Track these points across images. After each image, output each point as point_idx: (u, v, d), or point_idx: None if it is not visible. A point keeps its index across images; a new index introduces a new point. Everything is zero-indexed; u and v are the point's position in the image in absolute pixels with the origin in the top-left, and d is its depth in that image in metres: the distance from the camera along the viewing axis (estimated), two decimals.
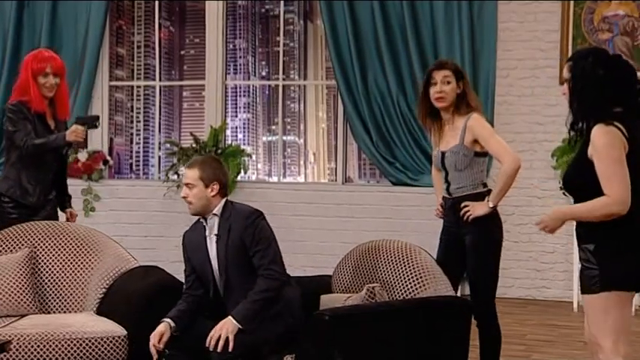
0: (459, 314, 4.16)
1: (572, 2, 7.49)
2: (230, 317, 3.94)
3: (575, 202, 3.83)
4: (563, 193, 7.37)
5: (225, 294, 4.14)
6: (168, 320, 4.10)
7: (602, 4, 7.46)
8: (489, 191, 4.67)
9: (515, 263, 7.64)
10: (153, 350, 4.04)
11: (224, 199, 4.18)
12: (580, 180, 3.76)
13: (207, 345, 3.90)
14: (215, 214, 4.15)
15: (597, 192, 3.63)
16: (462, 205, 4.65)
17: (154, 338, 4.04)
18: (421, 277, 4.21)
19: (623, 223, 3.65)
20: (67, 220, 5.43)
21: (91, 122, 5.08)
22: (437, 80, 4.67)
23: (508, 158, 4.54)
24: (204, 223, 4.19)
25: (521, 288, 7.73)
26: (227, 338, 3.88)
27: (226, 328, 3.90)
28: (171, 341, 4.07)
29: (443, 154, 4.75)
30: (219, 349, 3.87)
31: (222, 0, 8.31)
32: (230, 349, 3.87)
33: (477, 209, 4.59)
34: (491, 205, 4.57)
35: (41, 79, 5.15)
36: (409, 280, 4.23)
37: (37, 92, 5.14)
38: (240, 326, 3.91)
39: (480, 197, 4.65)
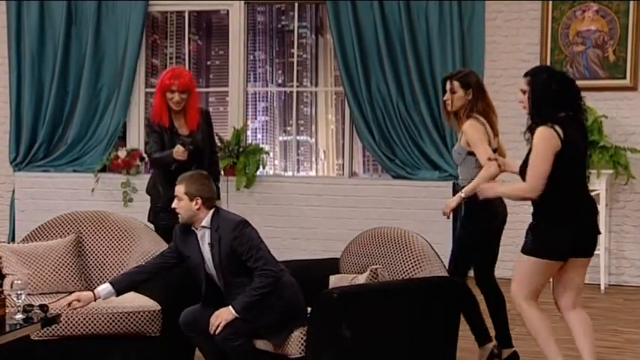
0: (451, 293, 4.16)
1: (550, 19, 7.46)
2: (230, 307, 3.96)
3: None
4: None
5: (226, 291, 4.13)
6: (103, 288, 4.11)
7: (577, 21, 7.42)
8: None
9: (501, 248, 7.59)
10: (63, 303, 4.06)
11: (211, 211, 4.15)
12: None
13: (210, 321, 3.95)
14: (204, 226, 4.13)
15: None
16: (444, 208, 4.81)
17: (70, 300, 4.06)
18: (418, 260, 4.21)
19: (554, 208, 4.16)
20: None
21: (189, 145, 5.00)
22: (446, 89, 4.84)
23: (486, 166, 4.65)
24: (196, 231, 4.17)
25: (505, 269, 7.64)
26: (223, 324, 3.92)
27: (223, 315, 3.94)
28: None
29: (453, 149, 4.96)
30: (217, 333, 3.92)
31: (243, 17, 8.31)
32: (217, 333, 3.91)
33: (449, 204, 4.76)
34: (462, 196, 4.69)
35: (168, 94, 5.10)
36: (407, 262, 4.23)
37: (158, 106, 5.14)
38: (237, 315, 3.93)
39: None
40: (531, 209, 4.34)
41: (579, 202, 4.25)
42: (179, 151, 4.94)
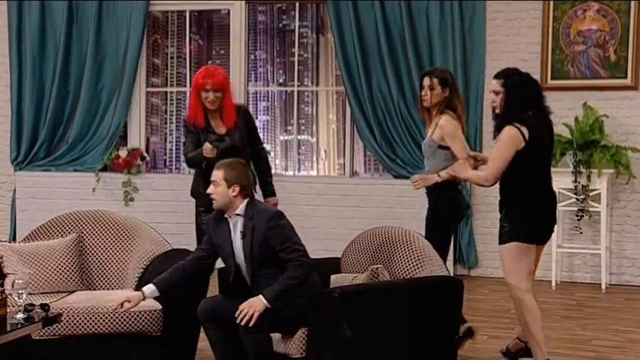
0: (452, 292, 4.16)
1: (551, 18, 7.46)
2: (260, 296, 3.90)
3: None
4: None
5: (252, 282, 4.11)
6: (147, 288, 4.13)
7: (578, 20, 7.43)
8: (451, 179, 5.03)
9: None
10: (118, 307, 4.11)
11: (246, 200, 4.15)
12: None
13: (236, 317, 3.88)
14: (238, 214, 4.12)
15: (508, 174, 4.49)
16: (412, 179, 5.14)
17: (120, 302, 4.10)
18: (418, 260, 4.21)
19: (525, 196, 4.54)
20: None
21: (217, 142, 4.95)
22: (424, 85, 5.11)
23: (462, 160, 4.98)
24: (229, 219, 4.17)
25: None
26: (253, 315, 3.86)
27: (255, 306, 3.88)
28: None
29: (423, 142, 5.25)
30: (244, 323, 3.86)
31: (244, 16, 8.32)
32: (251, 324, 3.86)
33: (426, 181, 5.02)
34: (438, 179, 4.96)
35: (203, 93, 5.04)
36: (408, 262, 4.23)
37: (193, 106, 5.09)
38: (269, 305, 3.88)
39: (442, 183, 4.98)
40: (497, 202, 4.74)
41: (545, 193, 4.66)
42: (207, 149, 4.91)
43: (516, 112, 4.50)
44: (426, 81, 5.08)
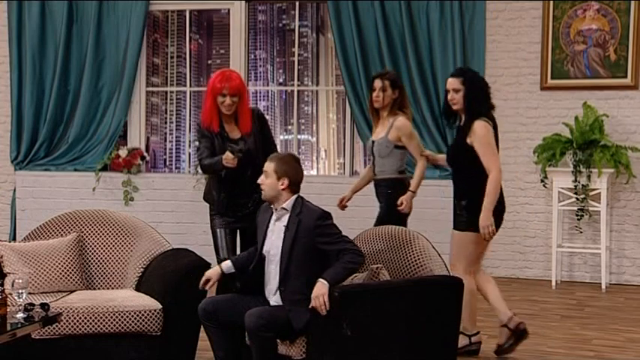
0: (452, 291, 4.16)
1: (551, 17, 7.47)
2: (320, 280, 3.88)
3: (455, 173, 5.01)
4: (544, 185, 7.37)
5: (282, 280, 4.08)
6: (224, 264, 4.24)
7: (578, 20, 7.43)
8: (404, 178, 5.41)
9: (501, 246, 7.63)
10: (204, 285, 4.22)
11: (295, 196, 4.17)
12: (462, 158, 4.89)
13: (314, 306, 3.84)
14: (285, 209, 4.13)
15: (473, 166, 4.78)
16: (399, 203, 5.32)
17: (203, 280, 4.21)
18: (418, 259, 4.21)
19: (484, 188, 4.75)
20: None
21: (238, 152, 4.79)
22: (375, 87, 5.44)
23: (421, 162, 5.36)
24: (274, 210, 4.19)
25: (507, 268, 7.72)
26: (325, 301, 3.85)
27: (321, 292, 3.85)
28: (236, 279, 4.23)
29: (373, 142, 5.52)
30: (324, 313, 3.82)
31: (244, 15, 8.32)
32: (327, 308, 3.82)
33: (407, 203, 5.30)
34: (412, 190, 5.33)
35: (219, 98, 4.88)
36: (408, 261, 4.23)
37: (209, 110, 4.92)
38: (328, 284, 3.86)
39: (396, 181, 5.39)
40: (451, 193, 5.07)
41: (500, 187, 4.91)
42: (228, 158, 4.75)
43: (481, 107, 4.87)
44: (378, 83, 5.43)
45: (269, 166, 4.17)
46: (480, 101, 4.87)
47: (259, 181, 4.20)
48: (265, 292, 4.16)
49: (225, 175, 4.89)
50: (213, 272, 4.25)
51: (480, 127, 4.80)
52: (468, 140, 4.83)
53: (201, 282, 4.21)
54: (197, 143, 5.11)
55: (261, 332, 3.88)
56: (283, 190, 4.14)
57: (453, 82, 4.92)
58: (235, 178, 4.89)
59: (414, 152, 5.38)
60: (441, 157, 5.42)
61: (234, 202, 4.99)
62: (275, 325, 3.91)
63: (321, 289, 3.86)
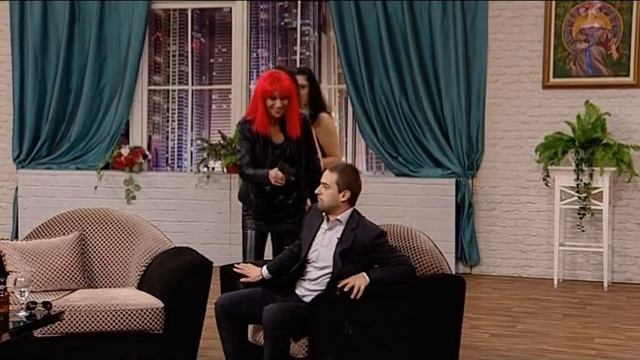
0: (454, 289, 4.16)
1: (553, 16, 7.46)
2: (364, 274, 3.90)
3: None
4: (546, 184, 7.36)
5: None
6: (264, 270, 4.23)
7: (580, 18, 7.43)
8: None
9: (503, 245, 7.63)
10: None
11: (351, 209, 4.11)
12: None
13: (340, 286, 3.84)
14: (339, 220, 4.08)
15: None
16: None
17: (243, 280, 4.24)
18: (420, 257, 4.21)
19: None
20: None
21: (289, 173, 4.64)
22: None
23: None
24: (326, 219, 4.14)
25: (508, 266, 7.72)
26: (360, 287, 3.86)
27: (360, 280, 3.86)
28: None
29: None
30: (353, 296, 3.83)
31: (246, 14, 8.33)
32: (358, 297, 3.83)
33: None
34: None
35: (269, 101, 4.67)
36: (410, 259, 4.22)
37: (262, 114, 4.71)
38: (368, 281, 3.87)
39: None
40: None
41: None
42: (277, 177, 4.61)
43: (322, 102, 5.35)
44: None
45: (331, 177, 4.08)
46: (321, 96, 5.43)
47: (317, 191, 4.13)
48: (296, 287, 4.15)
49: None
50: (254, 274, 4.22)
51: (327, 121, 5.34)
52: (314, 132, 5.10)
53: (242, 280, 4.21)
54: (238, 142, 4.98)
55: (276, 329, 3.87)
56: (343, 202, 4.08)
57: (301, 79, 5.27)
58: (276, 187, 4.73)
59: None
60: None
61: (270, 208, 4.87)
62: (291, 323, 3.90)
63: (361, 279, 3.87)
